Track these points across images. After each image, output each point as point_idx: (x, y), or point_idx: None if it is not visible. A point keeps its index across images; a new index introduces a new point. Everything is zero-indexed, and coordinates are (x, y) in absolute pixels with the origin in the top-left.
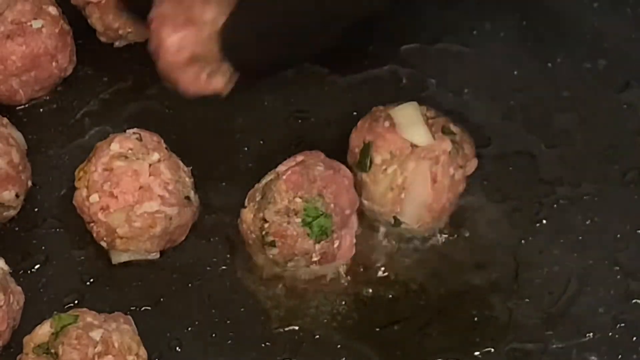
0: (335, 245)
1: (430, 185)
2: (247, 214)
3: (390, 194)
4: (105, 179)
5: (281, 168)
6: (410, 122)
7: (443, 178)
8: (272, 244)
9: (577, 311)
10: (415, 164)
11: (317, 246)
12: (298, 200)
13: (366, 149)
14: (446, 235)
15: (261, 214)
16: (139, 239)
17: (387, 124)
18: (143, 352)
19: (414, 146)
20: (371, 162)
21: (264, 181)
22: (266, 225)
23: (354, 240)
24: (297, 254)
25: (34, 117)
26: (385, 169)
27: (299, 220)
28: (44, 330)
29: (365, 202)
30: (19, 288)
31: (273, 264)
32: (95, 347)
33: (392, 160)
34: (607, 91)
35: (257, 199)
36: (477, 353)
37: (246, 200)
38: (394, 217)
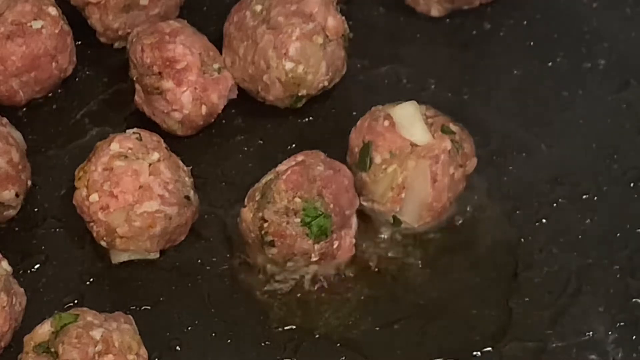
0: (335, 246)
1: (431, 185)
2: (247, 214)
3: (390, 193)
4: (105, 179)
5: (281, 168)
6: (409, 121)
7: (443, 177)
8: (272, 244)
9: (577, 310)
10: (415, 163)
11: (317, 246)
12: (297, 200)
13: (366, 148)
14: (446, 235)
15: (260, 214)
16: (138, 239)
17: (386, 123)
18: (144, 351)
19: (413, 145)
20: (371, 161)
21: (263, 180)
22: (265, 225)
23: (354, 241)
24: (296, 253)
25: (34, 118)
26: (385, 168)
27: (298, 220)
28: (44, 330)
29: (365, 201)
30: (22, 290)
31: (273, 264)
32: (95, 346)
33: (392, 160)
34: (606, 91)
35: (257, 198)
36: (476, 352)
37: (246, 199)
38: (394, 217)
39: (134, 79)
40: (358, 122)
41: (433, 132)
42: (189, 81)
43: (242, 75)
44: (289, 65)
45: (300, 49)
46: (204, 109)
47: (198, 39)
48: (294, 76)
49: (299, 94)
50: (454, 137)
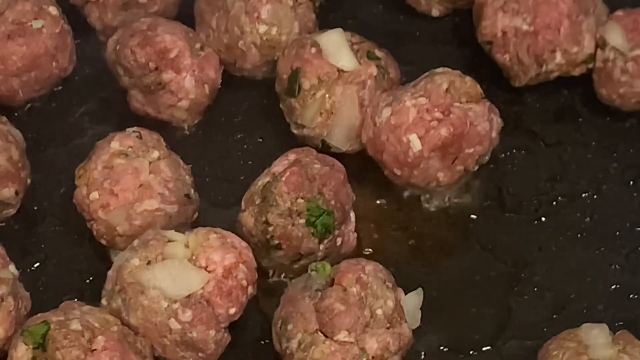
0: (338, 243)
1: (358, 109)
2: (248, 219)
3: (319, 118)
4: (105, 177)
5: (276, 169)
6: (336, 48)
7: (370, 102)
8: (278, 247)
9: (576, 308)
10: (342, 88)
11: (322, 245)
12: (300, 201)
13: (294, 75)
14: (446, 234)
15: (263, 218)
16: (139, 237)
17: (313, 50)
18: (118, 321)
19: (340, 71)
20: (299, 87)
21: (259, 183)
22: (270, 228)
23: (355, 235)
24: (303, 254)
25: (34, 117)
26: (314, 94)
27: (302, 221)
28: (22, 351)
29: (295, 129)
30: (27, 293)
31: (279, 266)
32: (83, 336)
33: (320, 85)
34: None
35: (257, 202)
36: (475, 350)
37: (243, 203)
38: (323, 141)
39: (127, 86)
40: (285, 51)
41: (359, 58)
42: (185, 66)
43: (217, 46)
44: (262, 28)
45: (272, 11)
46: (206, 88)
47: (175, 24)
48: (268, 39)
49: (275, 59)
50: (379, 62)
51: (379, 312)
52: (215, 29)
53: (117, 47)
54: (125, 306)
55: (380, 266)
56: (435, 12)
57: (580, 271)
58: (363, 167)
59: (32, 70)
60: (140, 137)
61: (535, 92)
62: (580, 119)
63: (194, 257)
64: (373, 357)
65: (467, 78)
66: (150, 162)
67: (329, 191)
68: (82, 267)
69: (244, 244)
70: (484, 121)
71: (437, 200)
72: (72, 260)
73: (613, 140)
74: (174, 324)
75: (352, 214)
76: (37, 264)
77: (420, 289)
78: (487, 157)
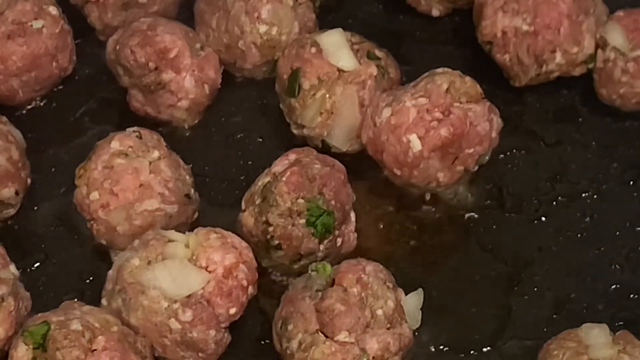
0: (338, 243)
1: (358, 109)
2: (248, 219)
3: (319, 119)
4: (105, 177)
5: (277, 169)
6: (336, 48)
7: (370, 102)
8: (278, 247)
9: (576, 308)
10: (342, 88)
11: (322, 245)
12: (300, 201)
13: (294, 75)
14: (446, 233)
15: (264, 218)
16: (139, 237)
17: (313, 50)
18: (119, 321)
19: (340, 71)
20: (299, 87)
21: (259, 183)
22: (270, 229)
23: (355, 235)
24: (303, 254)
25: (33, 117)
26: (314, 94)
27: (302, 221)
28: (22, 351)
29: (295, 129)
30: (27, 294)
31: (279, 267)
32: (84, 336)
33: (320, 85)
34: None
35: (257, 202)
36: (475, 350)
37: (243, 203)
38: (323, 141)
39: (127, 86)
40: (286, 51)
41: (359, 58)
42: (185, 66)
43: (217, 46)
44: (262, 28)
45: (272, 11)
46: (206, 88)
47: (175, 24)
48: (268, 38)
49: (275, 58)
50: (379, 62)
51: (380, 312)
52: (215, 29)
53: (117, 47)
54: (126, 306)
55: (381, 266)
56: (435, 12)
57: (580, 271)
58: (363, 167)
59: (32, 70)
60: (140, 137)
61: (535, 92)
62: (580, 119)
63: (194, 257)
64: (373, 358)
65: (467, 78)
66: (150, 162)
67: (329, 191)
68: (82, 267)
69: (244, 244)
70: (484, 121)
71: (437, 201)
72: (72, 260)
73: (613, 140)
74: (174, 324)
75: (352, 214)
76: (37, 264)
77: (420, 289)
78: (487, 157)
